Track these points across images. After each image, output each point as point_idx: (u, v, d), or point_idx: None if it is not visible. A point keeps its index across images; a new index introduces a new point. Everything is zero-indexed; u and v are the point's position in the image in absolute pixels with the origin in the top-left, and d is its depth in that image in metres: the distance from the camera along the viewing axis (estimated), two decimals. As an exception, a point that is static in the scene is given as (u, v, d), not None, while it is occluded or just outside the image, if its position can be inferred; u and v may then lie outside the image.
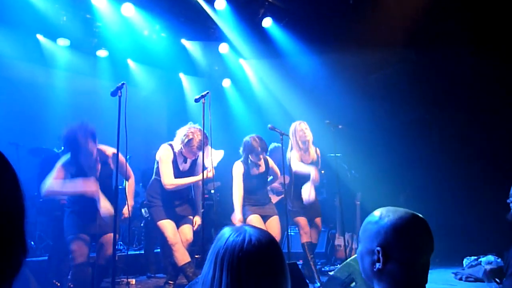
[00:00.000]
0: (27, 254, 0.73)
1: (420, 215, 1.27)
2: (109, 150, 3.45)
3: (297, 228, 4.62)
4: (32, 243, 5.12)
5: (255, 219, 4.10)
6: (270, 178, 4.50)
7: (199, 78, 7.40)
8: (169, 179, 3.61)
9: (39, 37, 5.96)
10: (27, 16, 5.33)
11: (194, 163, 3.82)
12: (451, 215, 5.52)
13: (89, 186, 3.21)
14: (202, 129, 3.51)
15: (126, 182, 3.62)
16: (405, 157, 5.96)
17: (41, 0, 5.30)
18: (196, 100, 3.48)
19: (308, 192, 4.29)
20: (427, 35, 5.69)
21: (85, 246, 3.27)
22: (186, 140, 3.61)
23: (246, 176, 4.20)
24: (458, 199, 5.60)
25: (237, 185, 4.14)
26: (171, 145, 3.74)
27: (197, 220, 3.76)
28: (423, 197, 5.67)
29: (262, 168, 4.32)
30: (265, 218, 4.21)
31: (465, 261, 4.63)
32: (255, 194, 4.23)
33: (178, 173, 3.71)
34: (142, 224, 5.71)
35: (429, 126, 5.99)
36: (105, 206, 3.18)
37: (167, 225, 3.63)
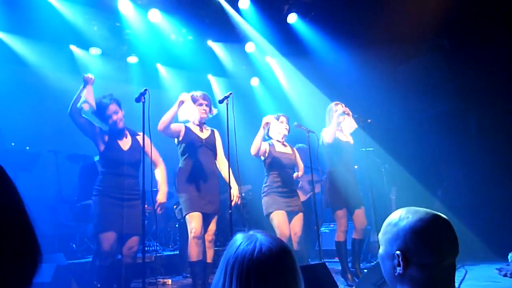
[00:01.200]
0: (39, 262, 0.73)
1: (443, 215, 1.20)
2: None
3: (330, 226, 4.55)
4: (74, 245, 5.33)
5: (280, 217, 4.01)
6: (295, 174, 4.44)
7: (228, 78, 7.43)
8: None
9: (72, 47, 6.18)
10: (59, 28, 5.53)
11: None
12: (493, 209, 5.26)
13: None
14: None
15: (156, 169, 3.59)
16: (440, 149, 5.74)
17: (72, 11, 5.50)
18: (220, 102, 3.48)
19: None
20: (461, 22, 5.44)
21: (114, 243, 3.30)
22: (190, 97, 3.66)
23: (271, 154, 4.17)
24: (500, 192, 5.32)
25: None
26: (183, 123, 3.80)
27: (234, 193, 3.62)
28: (462, 190, 5.45)
29: (289, 150, 4.30)
30: (290, 214, 4.12)
31: (510, 256, 4.40)
32: (282, 175, 4.12)
33: (198, 139, 3.70)
34: (177, 225, 5.80)
35: (465, 117, 5.73)
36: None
37: (194, 217, 3.52)
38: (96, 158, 5.34)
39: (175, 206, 5.51)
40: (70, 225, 5.47)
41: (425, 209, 1.21)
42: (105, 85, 6.63)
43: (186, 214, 3.57)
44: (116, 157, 3.43)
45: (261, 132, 4.08)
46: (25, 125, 5.63)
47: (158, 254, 5.15)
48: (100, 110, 3.44)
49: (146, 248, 4.28)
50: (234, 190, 3.63)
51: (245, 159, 6.58)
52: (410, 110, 6.12)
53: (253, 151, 4.06)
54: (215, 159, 3.86)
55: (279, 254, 1.01)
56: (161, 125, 3.50)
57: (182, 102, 3.53)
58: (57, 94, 6.12)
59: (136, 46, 6.32)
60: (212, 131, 3.92)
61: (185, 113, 3.63)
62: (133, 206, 3.41)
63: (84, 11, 5.55)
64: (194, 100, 3.74)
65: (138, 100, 3.23)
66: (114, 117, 3.46)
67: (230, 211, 3.39)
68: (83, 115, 3.36)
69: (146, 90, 3.23)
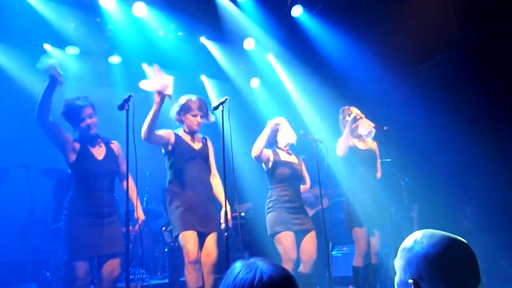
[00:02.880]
0: None
1: (462, 240, 1.20)
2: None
3: (342, 249, 4.55)
4: (48, 273, 5.33)
5: (287, 239, 3.99)
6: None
7: (224, 80, 7.45)
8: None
9: (46, 46, 6.18)
10: (30, 25, 5.54)
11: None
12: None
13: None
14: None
15: (125, 182, 3.47)
16: (468, 160, 5.71)
17: (45, 5, 5.50)
18: (214, 109, 3.51)
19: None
20: (491, 10, 5.39)
21: (89, 269, 3.29)
22: (182, 104, 3.69)
23: (276, 163, 4.19)
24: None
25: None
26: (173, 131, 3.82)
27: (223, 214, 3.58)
28: (495, 208, 5.42)
29: (295, 159, 4.33)
30: (300, 234, 4.09)
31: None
32: (290, 188, 4.15)
33: (191, 150, 3.71)
34: (166, 250, 5.77)
35: (496, 123, 5.71)
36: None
37: (189, 237, 3.50)
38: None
39: (163, 228, 5.50)
40: (44, 250, 5.44)
41: (442, 233, 1.22)
42: (83, 88, 6.65)
43: (178, 234, 3.53)
44: (90, 168, 3.43)
45: (266, 132, 4.12)
46: (-9, 136, 5.60)
47: (144, 283, 5.15)
48: (73, 111, 3.46)
49: (130, 276, 4.26)
50: (223, 210, 3.59)
51: (244, 173, 6.63)
52: (432, 116, 6.09)
53: (254, 152, 4.07)
54: (209, 172, 3.89)
55: (281, 283, 1.04)
56: (144, 131, 3.45)
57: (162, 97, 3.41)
58: (29, 99, 6.12)
59: (119, 44, 6.33)
60: (205, 140, 3.94)
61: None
62: (112, 224, 3.41)
63: (59, 5, 5.55)
64: (187, 109, 3.76)
65: (121, 107, 3.25)
66: (88, 121, 3.48)
67: (226, 233, 3.34)
68: (52, 120, 3.36)
69: (130, 96, 3.24)
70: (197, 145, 3.84)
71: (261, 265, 1.07)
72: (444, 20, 5.36)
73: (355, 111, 4.49)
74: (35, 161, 5.72)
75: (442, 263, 1.15)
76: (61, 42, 6.11)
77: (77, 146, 3.49)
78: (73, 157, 3.46)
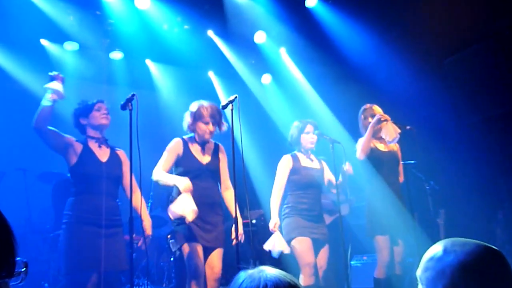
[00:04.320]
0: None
1: (496, 248, 1.24)
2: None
3: (362, 259, 4.55)
4: (46, 285, 5.44)
5: (303, 243, 4.06)
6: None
7: (233, 76, 7.48)
8: (157, 168, 3.64)
9: (44, 42, 6.28)
10: (27, 19, 5.63)
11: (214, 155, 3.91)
12: None
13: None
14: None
15: (132, 196, 3.54)
16: (499, 161, 5.71)
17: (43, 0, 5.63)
18: (223, 107, 3.57)
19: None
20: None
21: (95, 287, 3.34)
22: (194, 111, 3.74)
23: (295, 170, 4.26)
24: None
25: (278, 182, 4.22)
26: (182, 137, 3.87)
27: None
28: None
29: (316, 164, 4.40)
30: (316, 244, 4.16)
31: None
32: (308, 195, 4.23)
33: (198, 166, 3.74)
34: (172, 259, 5.82)
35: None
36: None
37: (195, 250, 3.56)
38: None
39: (169, 236, 5.57)
40: (42, 259, 5.50)
41: (474, 241, 1.25)
42: (83, 86, 6.77)
43: (182, 245, 3.61)
44: (93, 171, 3.49)
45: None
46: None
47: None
48: (85, 107, 3.59)
49: (134, 288, 4.35)
50: (239, 225, 3.63)
51: (255, 177, 6.66)
52: (460, 113, 6.07)
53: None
54: (219, 184, 3.91)
55: (286, 292, 1.06)
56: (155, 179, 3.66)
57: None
58: (26, 99, 6.23)
59: (120, 39, 6.40)
60: (217, 149, 3.94)
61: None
62: (114, 236, 3.45)
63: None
64: (199, 116, 3.76)
65: (124, 107, 3.33)
66: (102, 118, 3.59)
67: (234, 241, 3.48)
68: (50, 127, 3.45)
69: (134, 95, 3.30)
70: (206, 158, 3.85)
71: (266, 273, 1.10)
72: (473, 10, 5.34)
73: (378, 110, 4.52)
74: (33, 165, 5.81)
75: (481, 271, 1.19)
76: (59, 37, 6.20)
77: (79, 147, 3.56)
78: (74, 159, 3.53)
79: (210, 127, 3.78)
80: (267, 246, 3.96)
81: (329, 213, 5.27)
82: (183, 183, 3.46)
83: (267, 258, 5.74)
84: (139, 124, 3.31)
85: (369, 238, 4.47)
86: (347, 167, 4.29)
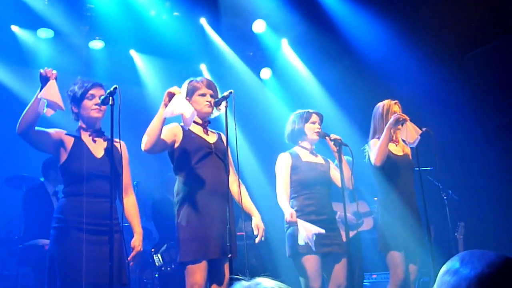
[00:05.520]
0: None
1: None
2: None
3: (372, 277, 4.45)
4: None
5: (311, 264, 3.91)
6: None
7: (228, 69, 7.48)
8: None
9: (14, 28, 6.24)
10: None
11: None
12: None
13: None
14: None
15: (126, 198, 3.51)
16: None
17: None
18: (216, 104, 3.49)
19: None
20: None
21: None
22: (186, 88, 3.60)
23: (296, 168, 4.15)
24: None
25: (281, 179, 4.10)
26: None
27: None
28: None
29: (320, 160, 4.28)
30: (328, 258, 4.03)
31: None
32: (315, 196, 4.09)
33: (205, 147, 3.53)
34: (156, 275, 5.77)
35: None
36: None
37: (199, 269, 3.38)
38: (43, 178, 5.33)
39: (153, 250, 5.53)
40: (9, 275, 5.42)
41: (494, 252, 1.23)
42: (59, 78, 6.65)
43: (186, 264, 3.40)
44: (86, 168, 3.34)
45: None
46: None
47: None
48: (76, 93, 3.40)
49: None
50: (257, 220, 3.58)
51: (252, 181, 6.57)
52: (483, 114, 6.04)
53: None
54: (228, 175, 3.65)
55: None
56: (147, 143, 3.36)
57: (171, 95, 3.30)
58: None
59: (101, 26, 6.36)
60: (219, 135, 3.79)
61: (178, 110, 3.38)
62: (105, 244, 3.31)
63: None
64: (193, 89, 3.63)
65: (105, 101, 3.23)
66: (93, 110, 3.40)
67: (229, 255, 3.24)
68: (37, 128, 3.30)
69: (116, 88, 3.18)
70: (211, 138, 3.67)
71: (263, 286, 1.15)
72: (496, 2, 5.30)
73: (395, 108, 4.37)
74: (-1, 169, 5.73)
75: (501, 285, 1.17)
76: (32, 23, 6.17)
77: (70, 141, 3.41)
78: (64, 156, 3.39)
79: (208, 97, 3.63)
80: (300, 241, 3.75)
81: (350, 228, 5.20)
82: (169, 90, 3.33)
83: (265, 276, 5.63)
84: (121, 121, 3.19)
85: (382, 254, 4.37)
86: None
